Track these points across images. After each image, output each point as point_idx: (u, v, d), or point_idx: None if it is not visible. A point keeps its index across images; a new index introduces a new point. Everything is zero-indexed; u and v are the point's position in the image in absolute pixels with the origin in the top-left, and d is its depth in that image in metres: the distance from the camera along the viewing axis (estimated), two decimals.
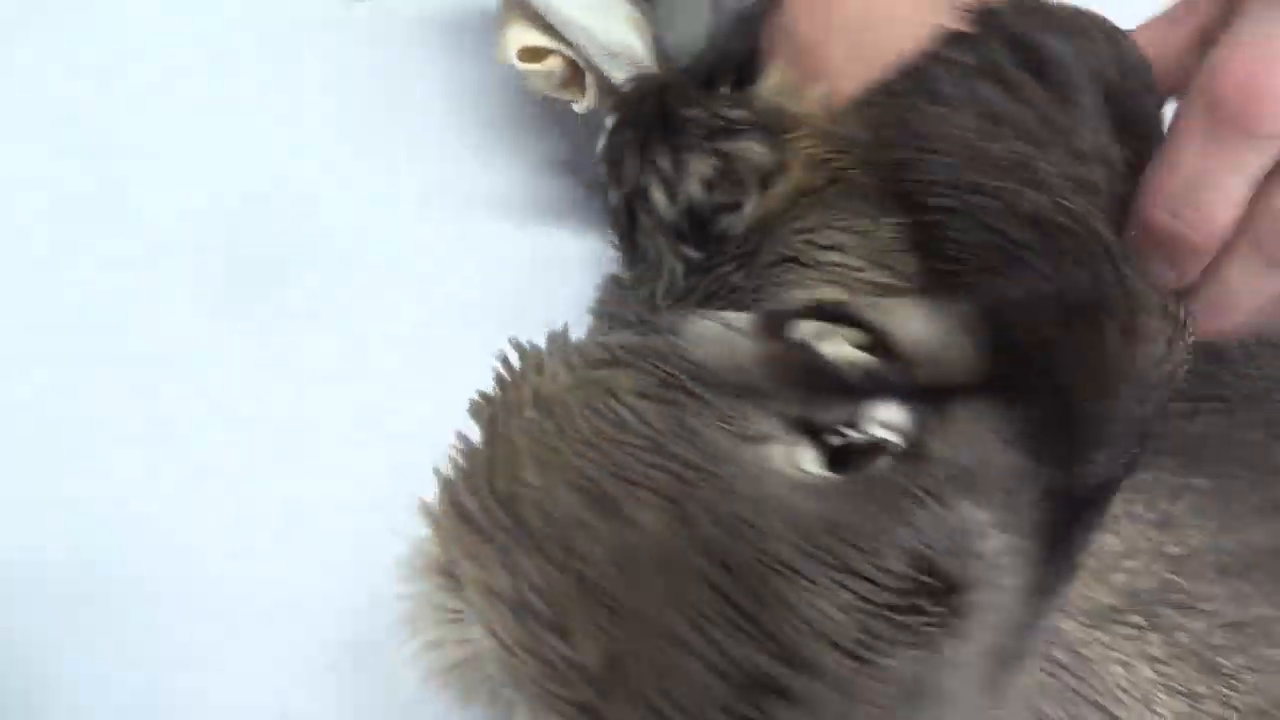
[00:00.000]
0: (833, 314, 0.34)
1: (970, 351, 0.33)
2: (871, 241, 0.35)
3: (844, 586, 0.32)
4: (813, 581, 0.32)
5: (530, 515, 0.34)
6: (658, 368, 0.36)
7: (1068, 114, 0.34)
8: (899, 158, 0.34)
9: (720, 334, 0.35)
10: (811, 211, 0.36)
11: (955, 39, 0.35)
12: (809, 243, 0.36)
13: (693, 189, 0.37)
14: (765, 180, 0.38)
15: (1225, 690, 0.42)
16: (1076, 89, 0.34)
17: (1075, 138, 0.34)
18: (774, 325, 0.35)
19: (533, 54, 0.45)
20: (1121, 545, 0.42)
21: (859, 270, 0.35)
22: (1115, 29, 0.35)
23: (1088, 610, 0.41)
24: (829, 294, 0.35)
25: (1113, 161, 0.33)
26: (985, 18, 0.35)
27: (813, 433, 0.35)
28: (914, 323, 0.33)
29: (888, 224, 0.35)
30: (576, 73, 0.45)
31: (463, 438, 0.37)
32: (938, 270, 0.34)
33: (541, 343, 0.39)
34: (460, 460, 0.36)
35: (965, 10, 0.35)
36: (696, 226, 0.38)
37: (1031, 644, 0.35)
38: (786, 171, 0.37)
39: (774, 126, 0.38)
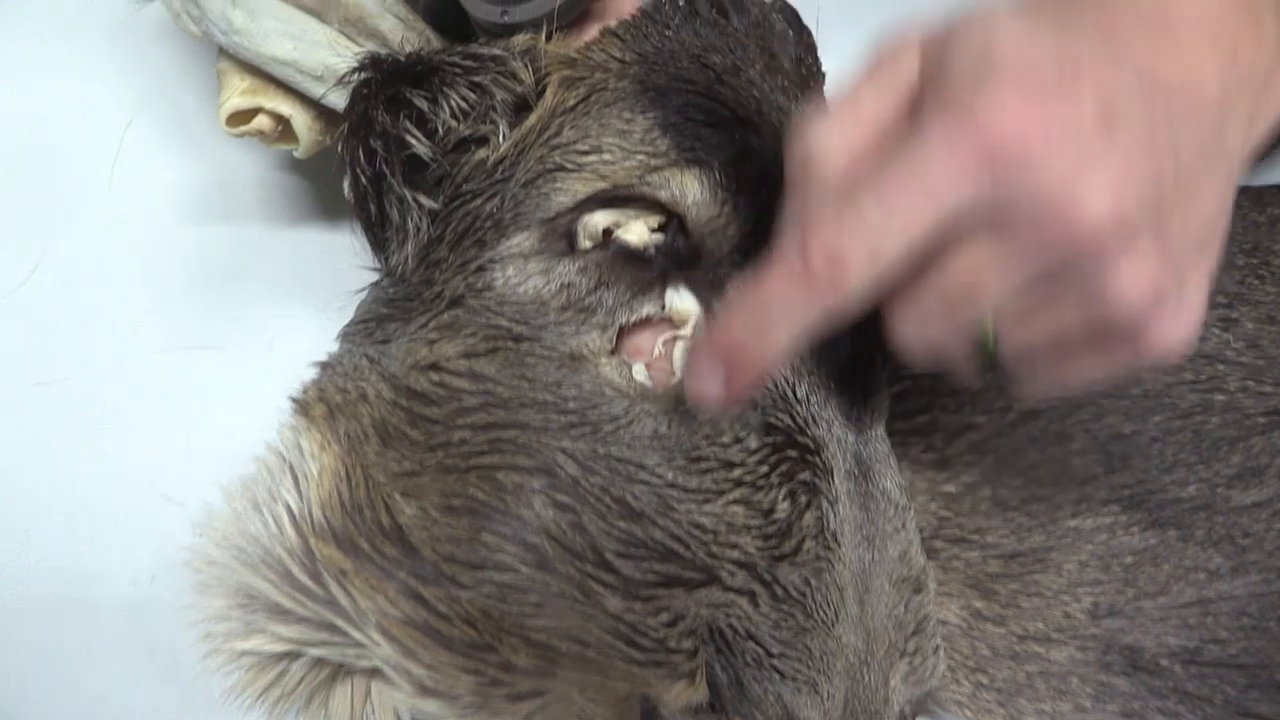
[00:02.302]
0: (612, 198, 0.38)
1: (731, 211, 0.38)
2: (630, 134, 0.39)
3: (726, 480, 0.35)
4: (699, 489, 0.35)
5: (421, 544, 0.35)
6: (482, 325, 0.37)
7: (762, 39, 0.41)
8: (652, 64, 0.40)
9: (537, 265, 0.38)
10: (567, 128, 0.39)
11: None
12: (569, 152, 0.39)
13: (448, 120, 0.39)
14: (518, 108, 0.40)
15: (1001, 611, 0.44)
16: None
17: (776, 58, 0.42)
18: (561, 228, 0.38)
19: (244, 116, 0.47)
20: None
21: (619, 161, 0.38)
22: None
23: None
24: (590, 189, 0.38)
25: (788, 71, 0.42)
26: None
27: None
28: (689, 186, 0.38)
29: (644, 117, 0.39)
30: (288, 125, 0.48)
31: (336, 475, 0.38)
32: (687, 143, 0.38)
33: None
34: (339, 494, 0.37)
35: None
36: (446, 169, 0.40)
37: (868, 454, 0.40)
38: (542, 96, 0.40)
39: (529, 57, 0.40)
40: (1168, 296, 0.31)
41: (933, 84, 0.30)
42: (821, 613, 0.36)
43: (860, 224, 0.30)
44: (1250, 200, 0.51)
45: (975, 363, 0.33)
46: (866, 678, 0.38)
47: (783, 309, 0.31)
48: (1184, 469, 0.46)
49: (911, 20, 0.33)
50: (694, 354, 0.34)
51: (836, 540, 0.37)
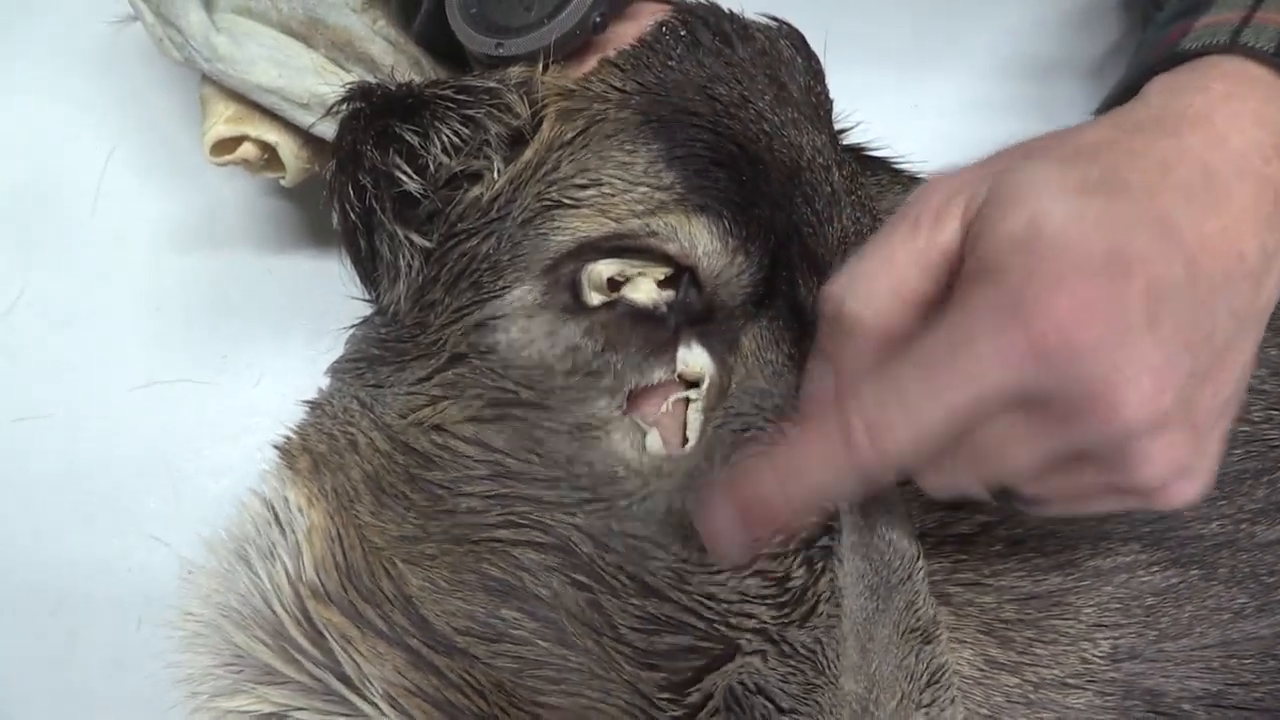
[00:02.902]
0: (618, 248, 0.36)
1: (743, 260, 0.37)
2: (632, 166, 0.37)
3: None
4: (712, 562, 0.34)
5: (433, 616, 0.34)
6: (487, 388, 0.36)
7: (769, 68, 0.40)
8: (654, 94, 0.38)
9: (542, 326, 0.36)
10: (564, 162, 0.38)
11: (677, 22, 0.41)
12: (567, 187, 0.37)
13: (440, 156, 0.37)
14: (514, 142, 0.38)
15: (1017, 658, 0.42)
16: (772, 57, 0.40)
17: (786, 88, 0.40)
18: (564, 279, 0.37)
19: (228, 145, 0.46)
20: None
21: (621, 194, 0.37)
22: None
23: None
24: (591, 227, 0.37)
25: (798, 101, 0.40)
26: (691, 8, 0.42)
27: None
28: (699, 235, 0.36)
29: (648, 149, 0.37)
30: (274, 153, 0.46)
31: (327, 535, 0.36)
32: (694, 183, 0.37)
33: None
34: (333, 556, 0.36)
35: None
36: (439, 206, 0.38)
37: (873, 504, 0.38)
38: (539, 130, 0.38)
39: (524, 89, 0.39)
40: (1189, 467, 0.32)
41: (977, 260, 0.30)
42: (832, 668, 0.35)
43: (904, 403, 0.30)
44: None
45: (992, 493, 0.35)
46: None
47: (818, 475, 0.31)
48: (1206, 504, 0.44)
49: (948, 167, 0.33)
50: (715, 498, 0.33)
51: (842, 594, 0.36)
